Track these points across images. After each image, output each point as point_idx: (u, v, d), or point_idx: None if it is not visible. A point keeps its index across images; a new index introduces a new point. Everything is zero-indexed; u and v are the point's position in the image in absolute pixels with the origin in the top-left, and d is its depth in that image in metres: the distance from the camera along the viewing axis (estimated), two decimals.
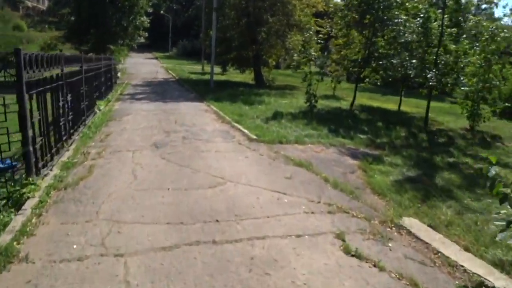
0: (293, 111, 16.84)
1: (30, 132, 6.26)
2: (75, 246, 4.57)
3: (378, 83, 21.44)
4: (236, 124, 12.55)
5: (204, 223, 5.26)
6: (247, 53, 30.32)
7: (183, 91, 22.51)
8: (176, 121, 12.87)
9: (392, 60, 17.69)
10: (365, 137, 12.44)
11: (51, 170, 7.19)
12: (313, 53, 17.17)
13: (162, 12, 63.16)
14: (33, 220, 5.18)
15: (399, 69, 17.77)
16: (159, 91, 22.05)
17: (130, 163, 7.90)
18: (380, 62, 18.72)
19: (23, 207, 5.51)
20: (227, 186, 6.78)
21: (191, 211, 5.62)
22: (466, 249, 5.23)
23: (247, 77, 33.37)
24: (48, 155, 7.31)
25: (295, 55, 28.88)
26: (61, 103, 8.32)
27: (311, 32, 29.46)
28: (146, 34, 34.10)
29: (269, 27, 28.19)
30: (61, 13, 32.17)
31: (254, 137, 10.87)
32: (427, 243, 5.28)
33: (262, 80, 29.87)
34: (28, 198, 5.81)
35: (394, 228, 5.63)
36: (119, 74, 31.44)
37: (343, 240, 5.02)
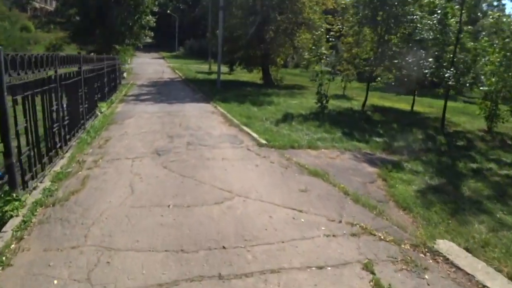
0: (303, 112, 16.07)
1: (15, 142, 5.55)
2: (55, 282, 3.83)
3: (392, 83, 20.54)
4: (244, 127, 11.78)
5: (208, 251, 4.48)
6: (254, 52, 29.59)
7: (189, 92, 21.79)
8: (180, 124, 12.13)
9: (406, 59, 16.80)
10: (381, 141, 11.64)
11: (41, 182, 6.46)
12: (324, 52, 16.33)
13: (168, 11, 62.51)
14: (12, 246, 4.45)
15: (414, 68, 16.87)
16: (164, 91, 21.34)
17: (128, 173, 7.14)
18: (394, 61, 17.83)
19: (3, 229, 4.80)
20: (235, 201, 5.99)
21: (194, 235, 4.84)
22: None
23: (255, 76, 32.62)
24: (38, 165, 6.58)
25: (305, 53, 28.12)
26: (54, 108, 7.59)
27: (322, 30, 28.68)
28: (152, 34, 33.39)
29: (277, 26, 27.41)
30: (68, 13, 31.54)
31: (264, 142, 10.09)
32: (469, 274, 4.47)
33: (270, 80, 29.09)
34: (11, 216, 5.11)
35: (428, 254, 4.81)
36: (124, 74, 30.81)
37: (373, 273, 4.22)
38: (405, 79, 21.21)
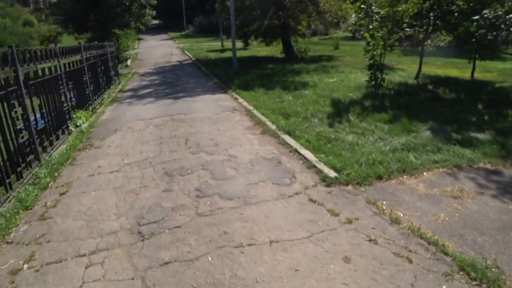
0: (353, 95, 11.51)
1: None
2: None
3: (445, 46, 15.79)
4: (286, 138, 7.24)
5: None
6: (272, 22, 24.59)
7: (200, 78, 17.13)
8: (187, 140, 7.63)
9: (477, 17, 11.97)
10: (488, 138, 7.08)
11: None
12: (378, 10, 11.38)
13: None
14: None
15: (490, 27, 12.09)
16: (170, 80, 16.77)
17: None
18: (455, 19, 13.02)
19: None
20: None
21: None
22: None
23: (274, 49, 27.68)
24: None
25: (351, 17, 23.03)
26: None
27: None
28: (154, 13, 28.55)
29: None
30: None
31: (331, 172, 5.54)
32: None
33: (293, 52, 24.15)
34: None
35: None
36: (128, 62, 26.35)
37: None
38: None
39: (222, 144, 7.19)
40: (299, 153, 6.43)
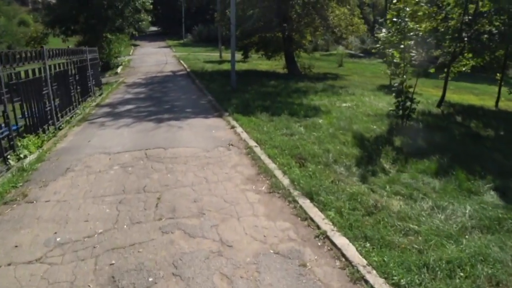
0: (376, 127, 9.18)
1: None
2: None
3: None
4: (309, 208, 4.76)
5: None
6: (275, 34, 22.22)
7: (192, 93, 14.57)
8: (159, 199, 5.09)
9: None
10: None
11: None
12: (412, 27, 8.89)
13: None
14: None
15: None
16: (158, 94, 14.20)
17: None
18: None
19: None
20: None
21: None
22: None
23: (275, 64, 25.31)
24: None
25: (380, 30, 20.68)
26: None
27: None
28: (150, 18, 26.04)
29: None
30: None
31: None
32: None
33: (296, 68, 21.75)
34: None
35: None
36: (118, 69, 23.78)
37: None
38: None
39: (210, 212, 4.64)
40: (331, 242, 3.91)
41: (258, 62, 27.86)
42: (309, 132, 8.40)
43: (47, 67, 9.01)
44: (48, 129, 8.84)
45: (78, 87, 11.92)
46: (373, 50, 19.57)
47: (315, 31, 20.79)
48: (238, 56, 28.25)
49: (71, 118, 10.39)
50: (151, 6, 24.45)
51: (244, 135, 8.04)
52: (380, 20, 25.48)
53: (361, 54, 41.22)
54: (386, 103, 13.14)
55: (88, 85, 13.17)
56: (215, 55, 33.52)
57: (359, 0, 20.02)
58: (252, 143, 7.44)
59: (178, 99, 13.03)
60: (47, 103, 8.97)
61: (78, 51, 12.24)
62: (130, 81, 18.67)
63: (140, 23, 24.44)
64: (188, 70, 22.53)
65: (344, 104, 12.34)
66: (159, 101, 12.70)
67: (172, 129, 8.70)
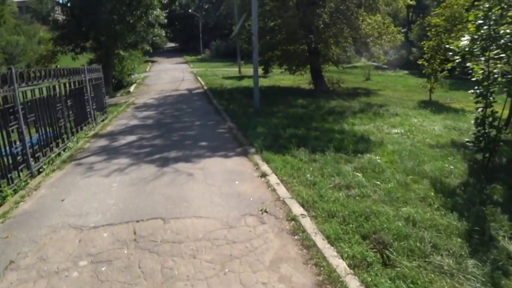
0: (452, 167, 6.53)
1: None
2: None
3: None
4: None
5: None
6: (299, 47, 19.72)
7: (209, 117, 12.05)
8: None
9: None
10: None
11: None
12: (506, 31, 6.24)
13: (190, 11, 52.74)
14: None
15: None
16: (168, 120, 11.74)
17: None
18: None
19: None
20: None
21: None
22: None
23: (298, 79, 22.75)
24: None
25: (461, 40, 18.00)
26: None
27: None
28: (163, 33, 23.78)
29: (336, 6, 17.37)
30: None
31: None
32: None
33: (324, 84, 19.10)
34: None
35: None
36: (131, 88, 21.57)
37: None
38: None
39: None
40: None
41: (280, 77, 25.34)
42: (370, 180, 5.76)
43: (17, 94, 6.64)
44: (19, 176, 6.44)
45: (71, 115, 9.53)
46: (419, 62, 16.82)
47: (345, 41, 18.11)
48: (259, 71, 25.80)
49: (57, 155, 7.99)
50: (165, 20, 22.19)
51: (282, 190, 5.43)
52: (403, 31, 22.74)
53: (385, 66, 38.35)
54: (441, 125, 10.50)
55: (86, 111, 10.79)
56: (233, 70, 31.20)
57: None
58: (296, 208, 4.82)
59: (192, 127, 10.51)
60: (17, 142, 6.60)
61: (72, 71, 9.87)
62: (141, 101, 16.33)
63: (154, 38, 22.18)
64: (205, 87, 20.12)
65: (394, 130, 9.67)
66: (169, 129, 10.21)
67: (179, 178, 6.12)
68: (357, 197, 5.18)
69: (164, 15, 21.69)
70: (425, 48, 16.88)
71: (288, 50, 19.78)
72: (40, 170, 7.22)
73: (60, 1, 20.73)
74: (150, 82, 24.76)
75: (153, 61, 42.75)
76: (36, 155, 7.28)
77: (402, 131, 9.62)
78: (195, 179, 5.99)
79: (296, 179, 5.89)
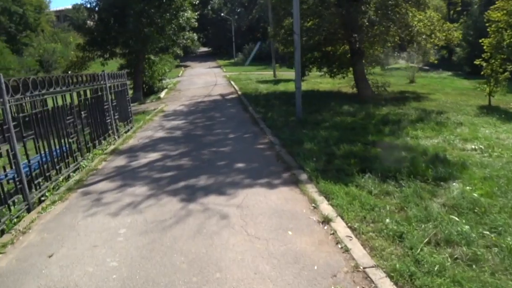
0: None
1: None
2: None
3: None
4: None
5: None
6: (340, 47, 17.80)
7: (245, 129, 10.30)
8: None
9: None
10: None
11: None
12: None
13: (223, 14, 51.44)
14: None
15: None
16: (199, 132, 10.11)
17: None
18: None
19: None
20: None
21: None
22: None
23: (337, 82, 20.75)
24: None
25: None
26: None
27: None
28: (195, 36, 22.34)
29: (378, 2, 15.35)
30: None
31: None
32: None
33: (368, 88, 17.00)
34: None
35: None
36: (162, 94, 20.24)
37: None
38: None
39: None
40: None
41: (317, 81, 23.41)
42: (474, 228, 3.88)
43: (7, 108, 5.15)
44: (9, 210, 4.95)
45: (86, 128, 8.06)
46: (476, 62, 14.61)
47: (393, 40, 15.93)
48: (289, 73, 24.06)
49: (66, 178, 6.50)
50: (196, 24, 20.69)
51: (358, 250, 3.60)
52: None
53: (426, 67, 35.65)
54: None
55: (106, 122, 9.32)
56: (268, 74, 29.49)
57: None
58: None
59: (225, 141, 8.80)
60: (6, 169, 5.13)
61: (88, 77, 8.39)
62: (171, 109, 14.85)
63: (185, 41, 20.71)
64: (239, 92, 18.48)
65: (469, 146, 7.64)
66: (198, 144, 8.54)
67: (210, 223, 4.37)
68: (468, 263, 3.32)
69: (196, 17, 20.18)
70: (484, 47, 14.65)
71: (328, 52, 17.89)
72: (42, 198, 5.74)
73: (88, 6, 19.10)
74: (182, 87, 23.40)
75: (186, 66, 41.72)
76: (37, 181, 5.79)
77: (481, 146, 7.58)
78: (231, 226, 4.24)
79: (372, 226, 4.06)
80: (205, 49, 62.91)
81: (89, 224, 4.58)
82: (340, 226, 4.09)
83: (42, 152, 6.06)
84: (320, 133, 8.60)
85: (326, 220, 4.24)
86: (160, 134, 10.00)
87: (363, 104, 13.48)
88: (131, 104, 17.76)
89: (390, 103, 13.76)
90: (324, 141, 7.84)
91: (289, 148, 7.42)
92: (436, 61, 18.75)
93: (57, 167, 6.48)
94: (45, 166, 6.07)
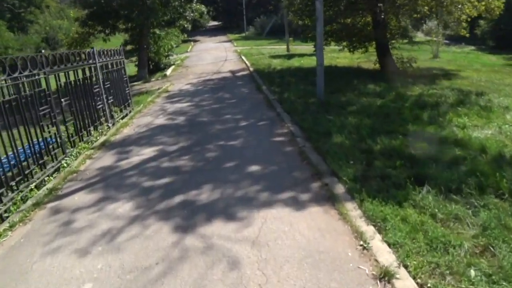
0: None
1: None
2: None
3: None
4: None
5: None
6: (361, 19, 15.96)
7: (259, 115, 8.67)
8: None
9: None
10: None
11: None
12: None
13: None
14: None
15: None
16: (203, 119, 8.56)
17: None
18: None
19: None
20: None
21: None
22: None
23: (356, 57, 18.81)
24: None
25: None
26: None
27: None
28: (204, 9, 20.49)
29: None
30: None
31: None
32: None
33: (392, 63, 15.18)
34: None
35: None
36: (168, 71, 18.68)
37: None
38: None
39: None
40: None
41: (334, 55, 21.46)
42: None
43: None
44: None
45: (70, 118, 6.64)
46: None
47: (426, 9, 13.91)
48: (310, 48, 22.21)
49: (41, 183, 5.13)
50: None
51: None
52: None
53: (446, 41, 33.30)
54: None
55: (97, 108, 7.87)
56: (280, 48, 27.55)
57: None
58: None
59: (235, 131, 7.29)
60: None
61: (73, 57, 6.89)
62: (176, 88, 13.34)
63: (193, 14, 18.91)
64: (251, 69, 16.82)
65: None
66: (203, 136, 7.05)
67: (213, 275, 2.94)
68: None
69: None
70: None
71: (347, 24, 16.05)
72: (6, 214, 4.40)
73: None
74: (190, 64, 21.75)
75: (195, 41, 39.78)
76: None
77: None
78: (244, 285, 2.80)
79: (454, 285, 2.60)
80: (215, 23, 60.53)
81: (46, 271, 3.19)
82: (407, 286, 2.62)
83: (4, 156, 4.68)
84: (349, 120, 7.05)
85: (386, 275, 2.77)
86: (161, 120, 8.53)
87: (390, 82, 11.77)
88: (135, 83, 16.44)
89: (419, 81, 12.04)
90: (356, 132, 6.31)
91: (315, 143, 5.89)
92: (468, 34, 16.71)
93: (27, 171, 5.11)
94: (7, 174, 4.69)
